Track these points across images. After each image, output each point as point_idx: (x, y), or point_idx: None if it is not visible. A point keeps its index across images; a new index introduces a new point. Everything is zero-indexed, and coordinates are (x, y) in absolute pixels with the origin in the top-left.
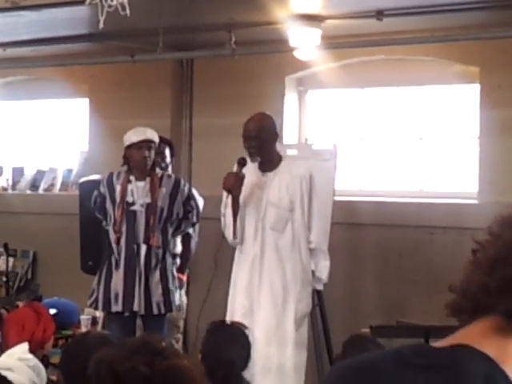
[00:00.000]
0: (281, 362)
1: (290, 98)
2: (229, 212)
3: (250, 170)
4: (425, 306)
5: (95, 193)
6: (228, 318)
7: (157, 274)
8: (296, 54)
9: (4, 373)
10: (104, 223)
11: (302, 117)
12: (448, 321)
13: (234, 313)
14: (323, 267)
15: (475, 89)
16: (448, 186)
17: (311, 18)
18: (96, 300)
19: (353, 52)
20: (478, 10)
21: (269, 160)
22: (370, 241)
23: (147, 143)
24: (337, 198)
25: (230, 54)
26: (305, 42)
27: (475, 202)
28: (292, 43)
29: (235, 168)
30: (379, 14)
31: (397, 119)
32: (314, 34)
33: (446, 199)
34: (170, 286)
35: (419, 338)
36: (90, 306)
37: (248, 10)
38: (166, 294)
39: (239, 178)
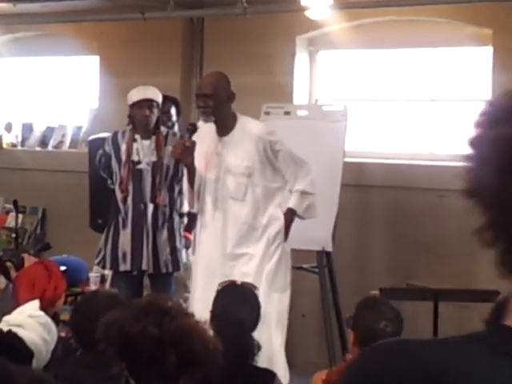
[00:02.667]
0: None
1: (301, 58)
2: (185, 180)
3: (209, 135)
4: (434, 268)
5: (100, 151)
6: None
7: (164, 233)
8: (307, 13)
9: (15, 329)
10: (109, 182)
11: (312, 77)
12: (457, 284)
13: (196, 290)
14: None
15: (488, 51)
16: (459, 148)
17: None
18: (103, 259)
19: (365, 12)
20: None
21: (224, 122)
22: (379, 203)
23: (147, 102)
24: (347, 160)
25: (241, 13)
26: (316, 2)
27: None
28: (303, 2)
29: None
30: None
31: (408, 81)
32: None
33: (457, 162)
34: (178, 244)
35: (428, 301)
36: (98, 264)
37: None
38: (174, 252)
39: (188, 147)
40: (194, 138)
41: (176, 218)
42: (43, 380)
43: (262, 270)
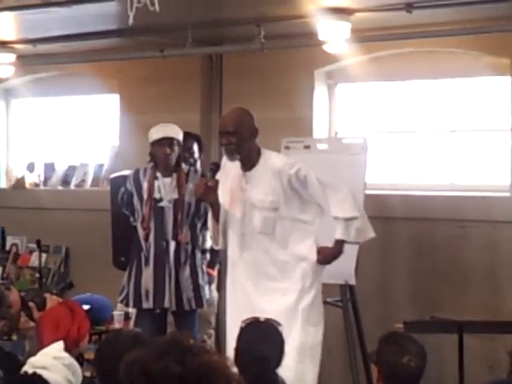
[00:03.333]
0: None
1: (320, 91)
2: (210, 216)
3: (234, 170)
4: (458, 300)
5: (122, 189)
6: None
7: (187, 270)
8: (325, 47)
9: (40, 371)
10: (131, 219)
11: (331, 111)
12: (481, 314)
13: (229, 327)
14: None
15: (506, 81)
16: (480, 179)
17: (340, 12)
18: (126, 297)
19: (382, 45)
20: (508, 1)
21: (248, 158)
22: (401, 234)
23: (168, 140)
24: (367, 192)
25: (259, 49)
26: (334, 36)
27: (507, 194)
28: (321, 37)
29: (222, 165)
30: (409, 7)
31: (427, 112)
32: (344, 27)
33: (478, 192)
34: (200, 281)
35: (453, 334)
36: (121, 302)
37: (277, 4)
38: (197, 289)
39: (210, 186)
40: (219, 173)
41: (198, 255)
42: None
43: (299, 304)
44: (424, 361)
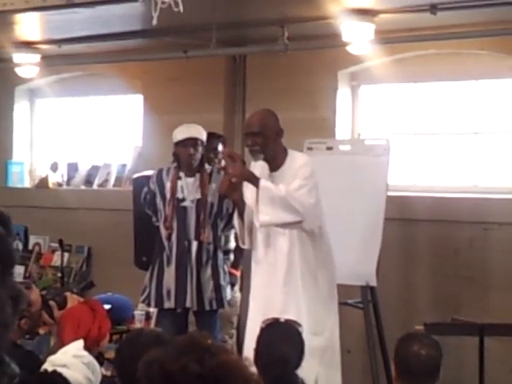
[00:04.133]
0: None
1: (343, 92)
2: (236, 216)
3: (261, 170)
4: (480, 302)
5: (145, 189)
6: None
7: (208, 270)
8: (349, 48)
9: (59, 369)
10: (154, 219)
11: (354, 112)
12: (502, 317)
13: (250, 327)
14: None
15: None
16: (503, 181)
17: (364, 13)
18: (148, 296)
19: (406, 46)
20: None
21: (273, 158)
22: (423, 236)
23: (192, 141)
24: (390, 194)
25: (282, 49)
26: (358, 37)
27: None
28: (345, 38)
29: (252, 166)
30: (433, 8)
31: (451, 114)
32: (367, 28)
33: (501, 194)
34: (222, 282)
35: (474, 336)
36: (143, 302)
37: (301, 5)
38: (218, 290)
39: (234, 183)
40: None
41: (220, 255)
42: None
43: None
44: (437, 352)
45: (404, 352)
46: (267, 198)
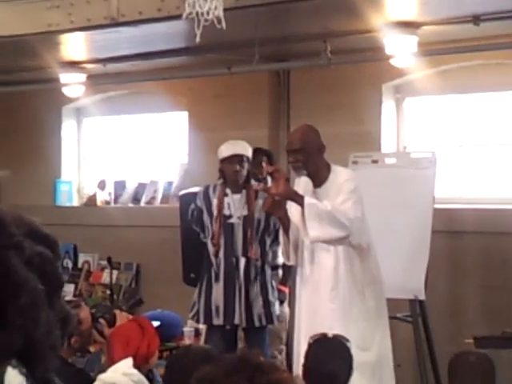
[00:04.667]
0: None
1: (388, 105)
2: (281, 232)
3: (304, 187)
4: None
5: (192, 206)
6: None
7: (257, 286)
8: (392, 61)
9: None
10: (201, 236)
11: (399, 125)
12: None
13: (300, 345)
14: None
15: None
16: None
17: (407, 25)
18: (197, 313)
19: (450, 58)
20: None
21: (316, 174)
22: (471, 249)
23: (238, 157)
24: (437, 206)
25: (325, 64)
26: (401, 50)
27: None
28: (388, 51)
29: (296, 183)
30: (476, 19)
31: (496, 124)
32: (411, 41)
33: None
34: (271, 297)
35: None
36: (192, 318)
37: (343, 19)
38: (267, 305)
39: (278, 200)
40: None
41: (268, 271)
42: None
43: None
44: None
45: (455, 366)
46: (314, 214)
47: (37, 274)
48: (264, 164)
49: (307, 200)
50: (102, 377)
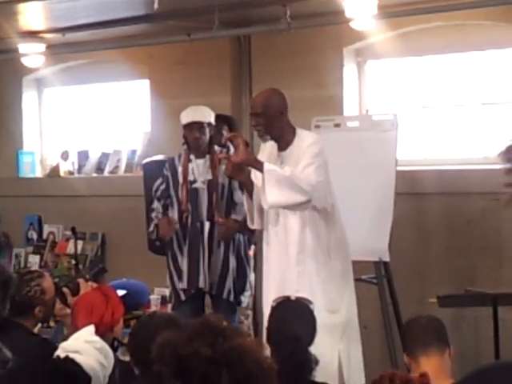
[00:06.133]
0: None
1: (349, 69)
2: (245, 197)
3: (269, 151)
4: (494, 273)
5: (158, 181)
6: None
7: (220, 251)
8: (353, 24)
9: (72, 355)
10: (150, 230)
11: (361, 88)
12: None
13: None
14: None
15: None
16: None
17: None
18: (170, 278)
19: (410, 20)
20: None
21: (281, 138)
22: (435, 210)
23: (197, 124)
24: (399, 168)
25: (285, 28)
26: (361, 12)
27: None
28: (348, 14)
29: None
30: None
31: (457, 86)
32: (371, 3)
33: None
34: (246, 269)
35: (487, 306)
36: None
37: None
38: (240, 282)
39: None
40: (259, 155)
41: (240, 237)
42: None
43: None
44: (437, 319)
45: (407, 329)
46: (273, 180)
47: None
48: (224, 132)
49: (267, 166)
50: (63, 345)
